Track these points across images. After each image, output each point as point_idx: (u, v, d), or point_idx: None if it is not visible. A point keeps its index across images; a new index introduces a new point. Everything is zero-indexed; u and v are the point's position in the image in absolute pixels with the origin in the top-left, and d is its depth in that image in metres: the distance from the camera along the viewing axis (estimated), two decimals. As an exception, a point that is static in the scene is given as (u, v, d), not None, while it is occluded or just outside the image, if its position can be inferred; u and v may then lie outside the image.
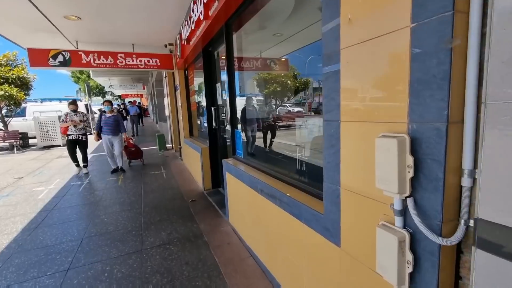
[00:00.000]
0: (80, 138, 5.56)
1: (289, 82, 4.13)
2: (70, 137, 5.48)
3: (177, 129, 6.85)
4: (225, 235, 2.84)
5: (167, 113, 9.50)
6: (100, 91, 30.43)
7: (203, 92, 4.33)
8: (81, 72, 26.48)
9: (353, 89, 1.12)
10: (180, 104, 6.17)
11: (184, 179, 5.19)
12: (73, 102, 5.67)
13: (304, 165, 2.15)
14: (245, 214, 2.56)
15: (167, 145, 8.99)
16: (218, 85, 3.97)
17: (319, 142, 1.95)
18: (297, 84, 3.98)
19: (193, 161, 5.06)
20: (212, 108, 4.00)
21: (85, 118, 5.63)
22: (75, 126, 5.45)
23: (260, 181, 2.14)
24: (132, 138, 7.04)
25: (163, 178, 5.31)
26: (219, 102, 4.02)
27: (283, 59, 5.78)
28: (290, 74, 4.15)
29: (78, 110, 5.66)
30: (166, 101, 8.82)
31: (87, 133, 5.83)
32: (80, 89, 31.43)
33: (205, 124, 4.78)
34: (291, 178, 2.02)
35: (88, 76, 20.87)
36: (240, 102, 4.96)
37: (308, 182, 1.87)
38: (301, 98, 3.88)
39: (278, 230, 1.92)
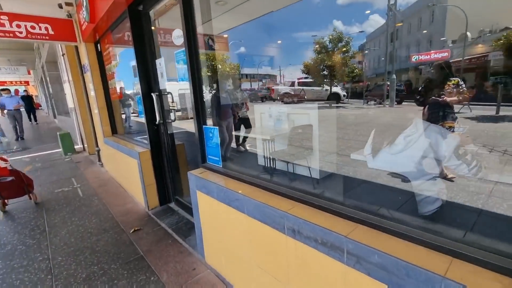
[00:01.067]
0: None
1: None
2: None
3: (91, 125, 5.09)
4: None
5: (70, 105, 7.22)
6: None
7: (134, 73, 3.02)
8: None
9: None
10: (93, 92, 4.49)
11: (113, 195, 3.77)
12: None
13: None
14: (248, 258, 1.68)
15: (75, 147, 6.85)
16: (159, 62, 2.77)
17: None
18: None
19: (126, 169, 3.70)
20: (153, 95, 2.79)
21: None
22: None
23: (288, 215, 1.29)
24: (5, 159, 3.45)
25: (79, 197, 3.74)
26: (162, 86, 2.84)
27: (224, 36, 4.82)
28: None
29: None
30: (68, 88, 6.60)
31: None
32: None
33: (135, 118, 3.50)
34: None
35: None
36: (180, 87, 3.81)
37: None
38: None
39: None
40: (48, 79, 11.89)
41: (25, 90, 13.49)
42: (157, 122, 2.90)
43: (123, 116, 4.61)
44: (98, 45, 4.24)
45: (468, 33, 2.80)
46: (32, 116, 14.48)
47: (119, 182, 4.21)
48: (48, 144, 8.27)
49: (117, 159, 3.97)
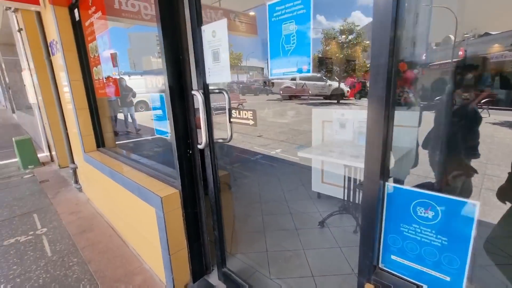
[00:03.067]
0: None
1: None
2: None
3: (63, 131, 3.53)
4: None
5: (32, 100, 5.47)
6: None
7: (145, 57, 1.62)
8: None
9: None
10: (66, 84, 2.96)
11: (105, 254, 2.34)
12: None
13: None
14: None
15: (40, 155, 5.15)
16: (211, 30, 1.42)
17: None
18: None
19: (131, 215, 2.29)
20: (198, 95, 1.44)
21: None
22: None
23: None
24: None
25: (44, 258, 2.27)
26: (214, 78, 1.51)
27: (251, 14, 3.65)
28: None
29: None
30: (29, 78, 4.88)
31: None
32: None
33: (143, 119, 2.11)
34: None
35: None
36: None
37: None
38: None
39: None
40: (3, 65, 9.69)
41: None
42: (201, 146, 1.54)
43: (121, 118, 3.14)
44: (76, 10, 2.72)
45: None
46: None
47: (113, 225, 2.75)
48: (1, 150, 6.39)
49: (110, 190, 2.53)
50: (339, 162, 2.27)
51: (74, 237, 2.57)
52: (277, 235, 2.53)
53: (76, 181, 3.67)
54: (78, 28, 2.80)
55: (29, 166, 4.79)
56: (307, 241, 2.39)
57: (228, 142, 1.62)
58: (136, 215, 2.10)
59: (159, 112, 1.83)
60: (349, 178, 2.55)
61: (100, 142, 3.11)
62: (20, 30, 4.32)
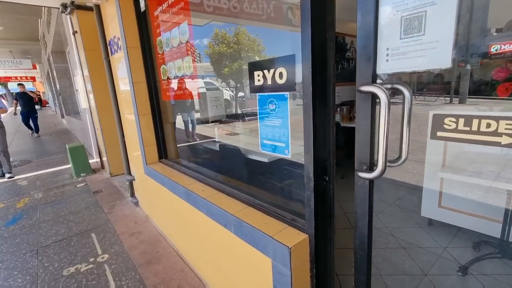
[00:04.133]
0: None
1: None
2: None
3: (120, 139, 3.19)
4: None
5: (83, 105, 5.37)
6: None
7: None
8: None
9: None
10: (128, 83, 2.58)
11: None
12: None
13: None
14: None
15: (90, 161, 4.99)
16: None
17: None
18: None
19: (225, 259, 1.78)
20: (381, 93, 0.86)
21: None
22: None
23: None
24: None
25: (110, 298, 1.86)
26: (390, 67, 0.90)
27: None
28: None
29: None
30: (81, 82, 4.73)
31: None
32: None
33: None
34: None
35: None
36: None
37: None
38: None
39: None
40: (54, 73, 10.10)
41: (19, 84, 9.02)
42: (374, 174, 0.95)
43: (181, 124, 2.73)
44: (142, 3, 2.32)
45: None
46: (32, 124, 9.36)
47: (181, 253, 2.29)
48: (54, 156, 6.43)
49: (183, 214, 2.06)
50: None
51: (140, 268, 2.13)
52: (401, 283, 1.88)
53: (133, 194, 3.32)
54: (143, 21, 2.40)
55: (82, 174, 4.62)
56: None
57: (399, 165, 1.02)
58: (229, 258, 1.58)
59: (271, 119, 1.29)
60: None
61: (162, 153, 2.69)
62: (75, 32, 4.14)
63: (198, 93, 2.26)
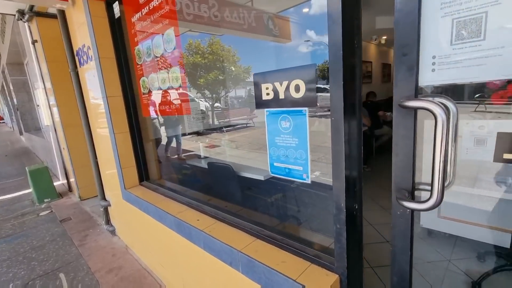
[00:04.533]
0: None
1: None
2: None
3: (92, 157, 2.81)
4: None
5: (46, 121, 4.83)
6: None
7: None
8: None
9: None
10: (101, 97, 2.27)
11: None
12: None
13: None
14: None
15: (55, 183, 4.44)
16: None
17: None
18: None
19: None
20: (438, 110, 0.71)
21: None
22: None
23: None
24: None
25: None
26: (439, 77, 0.76)
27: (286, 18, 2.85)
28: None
29: None
30: (42, 96, 4.24)
31: None
32: None
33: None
34: None
35: None
36: None
37: None
38: None
39: None
40: (11, 86, 9.16)
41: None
42: (429, 204, 0.79)
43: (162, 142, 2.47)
44: (115, 4, 2.07)
45: None
46: None
47: (168, 289, 1.99)
48: (11, 179, 5.70)
49: (172, 246, 1.78)
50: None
51: (122, 315, 1.80)
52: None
53: (108, 222, 2.93)
54: (117, 28, 2.14)
55: (45, 200, 4.08)
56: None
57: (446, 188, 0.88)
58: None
59: (284, 138, 1.11)
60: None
61: (144, 175, 2.39)
62: (34, 42, 3.70)
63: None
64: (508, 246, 1.99)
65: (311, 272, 1.03)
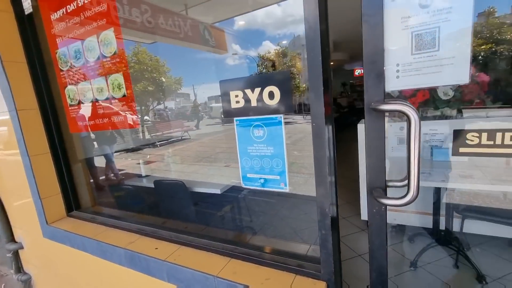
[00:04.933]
0: None
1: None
2: None
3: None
4: None
5: None
6: None
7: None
8: None
9: None
10: (8, 111, 1.80)
11: None
12: None
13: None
14: None
15: None
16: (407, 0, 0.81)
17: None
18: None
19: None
20: (411, 112, 0.77)
21: None
22: None
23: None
24: None
25: None
26: (402, 83, 0.87)
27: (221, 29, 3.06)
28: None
29: None
30: None
31: None
32: None
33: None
34: None
35: None
36: None
37: None
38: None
39: None
40: None
41: None
42: (406, 200, 0.83)
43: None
44: (26, 2, 1.69)
45: None
46: None
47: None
48: None
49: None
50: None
51: None
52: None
53: (19, 270, 2.30)
54: (29, 26, 1.74)
55: None
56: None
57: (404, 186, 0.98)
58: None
59: (257, 148, 1.06)
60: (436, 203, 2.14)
61: (73, 204, 1.97)
62: None
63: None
64: (431, 226, 2.37)
65: (298, 284, 0.99)
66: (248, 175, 1.12)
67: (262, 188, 1.09)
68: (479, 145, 0.85)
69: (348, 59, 10.08)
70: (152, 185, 2.00)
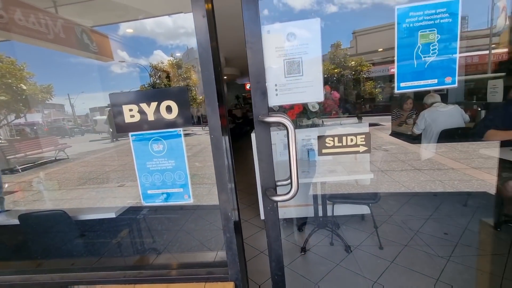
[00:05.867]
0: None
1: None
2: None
3: None
4: None
5: None
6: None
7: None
8: None
9: None
10: None
11: None
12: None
13: None
14: None
15: None
16: (279, 34, 1.05)
17: None
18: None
19: None
20: (287, 123, 0.96)
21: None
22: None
23: None
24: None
25: None
26: (280, 100, 1.11)
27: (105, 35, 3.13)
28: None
29: None
30: None
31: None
32: None
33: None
34: None
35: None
36: None
37: None
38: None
39: None
40: None
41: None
42: (289, 196, 1.01)
43: None
44: None
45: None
46: None
47: None
48: None
49: None
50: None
51: None
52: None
53: None
54: None
55: None
56: (310, 272, 2.18)
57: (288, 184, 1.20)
58: None
59: (157, 163, 1.05)
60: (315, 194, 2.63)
61: None
62: None
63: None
64: (312, 215, 2.86)
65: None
66: (149, 192, 1.07)
67: (166, 203, 1.07)
68: (333, 146, 1.15)
69: (239, 74, 10.91)
70: (17, 221, 1.56)
